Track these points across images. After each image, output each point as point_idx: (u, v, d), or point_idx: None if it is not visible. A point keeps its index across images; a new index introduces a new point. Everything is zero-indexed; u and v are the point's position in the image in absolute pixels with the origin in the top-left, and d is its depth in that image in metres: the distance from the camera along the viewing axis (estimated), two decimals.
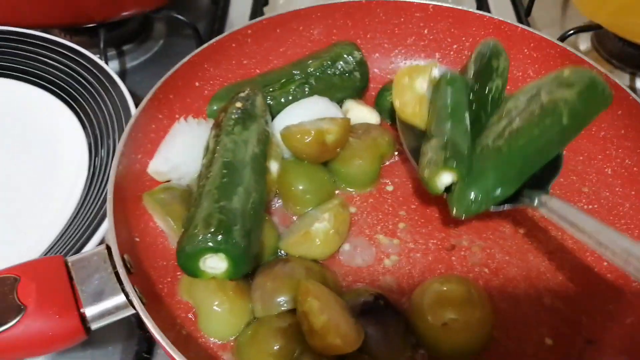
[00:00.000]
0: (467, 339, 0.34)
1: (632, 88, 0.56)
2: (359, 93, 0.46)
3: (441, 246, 0.39)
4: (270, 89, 0.43)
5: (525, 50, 0.46)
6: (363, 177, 0.41)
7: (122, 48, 0.55)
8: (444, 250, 0.39)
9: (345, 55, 0.45)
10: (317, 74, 0.44)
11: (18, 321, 0.30)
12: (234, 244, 0.34)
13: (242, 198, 0.36)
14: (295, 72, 0.44)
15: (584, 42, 0.59)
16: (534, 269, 0.39)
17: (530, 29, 0.45)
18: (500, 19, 0.45)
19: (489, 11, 0.59)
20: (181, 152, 0.39)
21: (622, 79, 0.56)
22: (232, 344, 0.34)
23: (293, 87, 0.44)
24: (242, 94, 0.41)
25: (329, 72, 0.44)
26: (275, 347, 0.33)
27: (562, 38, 0.53)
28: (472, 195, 0.34)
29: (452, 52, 0.48)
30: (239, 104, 0.40)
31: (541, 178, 0.36)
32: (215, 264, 0.34)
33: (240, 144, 0.38)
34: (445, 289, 0.35)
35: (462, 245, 0.39)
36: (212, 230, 0.33)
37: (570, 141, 0.36)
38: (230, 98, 0.41)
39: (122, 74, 0.54)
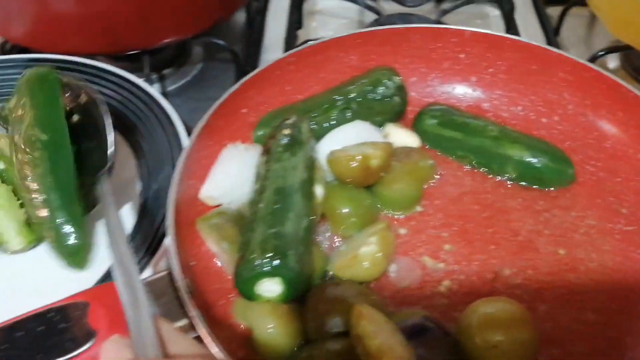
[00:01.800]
0: None
1: None
2: (398, 117, 0.48)
3: (484, 268, 0.40)
4: (313, 115, 0.45)
5: (560, 74, 0.47)
6: (405, 200, 0.43)
7: (162, 72, 0.57)
8: (487, 272, 0.40)
9: (385, 80, 0.46)
10: (359, 99, 0.45)
11: (91, 345, 0.31)
12: (289, 268, 0.35)
13: (294, 223, 0.37)
14: (336, 97, 0.45)
15: (613, 60, 0.60)
16: (576, 290, 0.39)
17: (565, 53, 0.46)
18: (535, 43, 0.47)
19: (517, 32, 0.60)
20: (232, 177, 0.41)
21: None
22: None
23: (335, 113, 0.45)
24: (288, 121, 0.42)
25: (369, 97, 0.46)
26: None
27: (593, 59, 0.54)
28: None
29: (487, 76, 0.49)
30: (286, 131, 0.42)
31: None
32: (270, 287, 0.36)
33: (289, 170, 0.40)
34: (492, 310, 0.36)
35: (504, 266, 0.40)
36: (269, 255, 0.35)
37: None
38: (276, 125, 0.42)
39: (163, 97, 0.56)
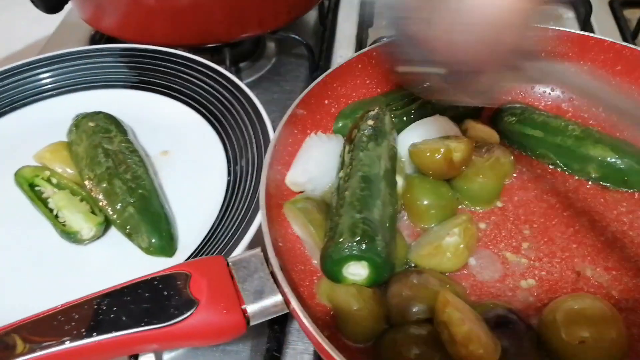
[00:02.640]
0: (603, 359, 0.34)
1: None
2: (476, 113, 0.48)
3: (566, 266, 0.40)
4: (394, 108, 0.46)
5: None
6: (486, 195, 0.43)
7: (238, 65, 0.59)
8: (569, 270, 0.40)
9: None
10: None
11: (192, 313, 0.33)
12: (377, 253, 0.36)
13: (380, 210, 0.38)
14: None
15: None
16: None
17: None
18: (622, 43, 0.46)
19: (593, 33, 0.59)
20: (317, 164, 0.42)
21: None
22: (368, 348, 0.37)
23: (415, 107, 0.46)
24: (372, 112, 0.43)
25: None
26: (414, 353, 0.35)
27: None
28: None
29: None
30: (370, 122, 0.43)
31: None
32: (357, 270, 0.37)
33: (374, 159, 0.41)
34: (579, 306, 0.36)
35: (587, 265, 0.40)
36: (357, 239, 0.36)
37: None
38: (361, 116, 0.44)
39: None
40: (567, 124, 0.45)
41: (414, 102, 0.46)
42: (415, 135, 0.44)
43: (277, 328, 0.42)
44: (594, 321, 0.35)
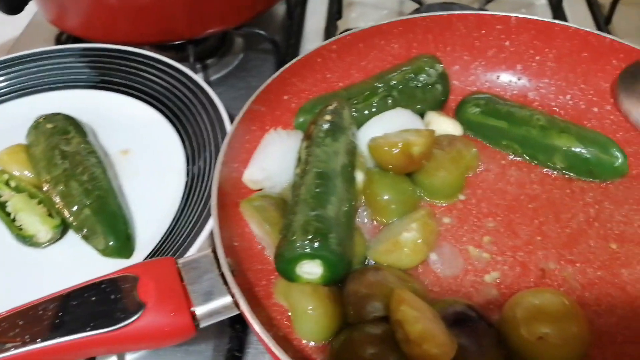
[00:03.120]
0: (564, 355, 0.33)
1: None
2: (440, 105, 0.47)
3: (529, 260, 0.39)
4: (355, 102, 0.45)
5: (613, 61, 0.45)
6: (447, 189, 0.42)
7: (205, 62, 0.58)
8: (532, 263, 0.39)
9: (427, 68, 0.45)
10: (400, 86, 0.45)
11: (139, 317, 0.33)
12: (331, 251, 0.35)
13: (335, 207, 0.37)
14: (378, 84, 0.45)
15: None
16: (630, 284, 0.38)
17: (619, 39, 0.44)
18: (587, 29, 0.45)
19: (565, 20, 0.58)
20: (275, 161, 0.42)
21: None
22: (325, 347, 0.36)
23: (376, 100, 0.45)
24: (330, 107, 0.42)
25: (411, 84, 0.45)
26: (370, 353, 0.34)
27: None
28: None
29: (534, 64, 0.48)
30: (328, 117, 0.42)
31: None
32: (311, 269, 0.36)
33: (331, 154, 0.40)
34: (539, 302, 0.35)
35: (551, 259, 0.39)
36: (310, 237, 0.35)
37: None
38: (319, 111, 0.43)
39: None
40: (532, 114, 0.44)
41: (376, 95, 0.45)
42: (376, 129, 0.43)
43: (238, 328, 0.41)
44: (554, 317, 0.34)
